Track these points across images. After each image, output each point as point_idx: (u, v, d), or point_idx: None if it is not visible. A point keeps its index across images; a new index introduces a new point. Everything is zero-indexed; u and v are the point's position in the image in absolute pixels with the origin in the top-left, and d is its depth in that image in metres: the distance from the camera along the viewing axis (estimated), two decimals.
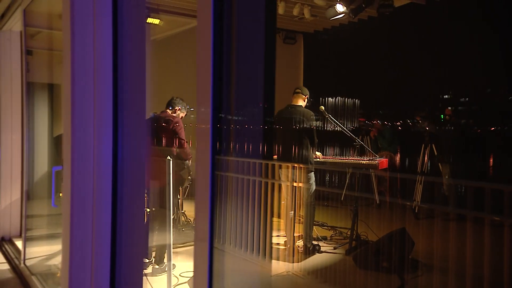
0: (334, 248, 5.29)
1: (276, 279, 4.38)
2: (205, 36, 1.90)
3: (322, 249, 5.12)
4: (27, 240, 5.23)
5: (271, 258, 4.55)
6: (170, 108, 4.51)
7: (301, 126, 4.99)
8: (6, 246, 5.23)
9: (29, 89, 4.29)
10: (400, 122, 9.35)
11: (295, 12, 8.06)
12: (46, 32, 5.79)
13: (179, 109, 4.54)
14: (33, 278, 3.93)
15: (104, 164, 2.87)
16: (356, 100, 10.26)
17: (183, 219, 6.12)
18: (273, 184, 4.79)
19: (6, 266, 4.65)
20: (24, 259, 4.26)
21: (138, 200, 2.97)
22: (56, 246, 4.80)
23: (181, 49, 7.71)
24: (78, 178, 2.82)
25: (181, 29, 7.47)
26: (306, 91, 5.18)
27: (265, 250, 3.83)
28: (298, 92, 5.15)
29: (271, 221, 4.51)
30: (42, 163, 4.79)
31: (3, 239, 5.47)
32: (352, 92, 10.09)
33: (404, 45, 9.09)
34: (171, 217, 3.81)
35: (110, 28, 2.84)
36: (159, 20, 6.13)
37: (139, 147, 3.00)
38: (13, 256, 4.85)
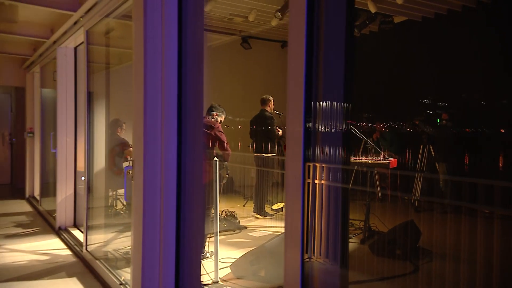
0: (349, 238, 5.37)
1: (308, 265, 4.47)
2: (298, 46, 1.90)
3: None
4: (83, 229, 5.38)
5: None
6: (210, 114, 4.60)
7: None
8: (64, 235, 5.34)
9: (89, 97, 4.39)
10: (400, 125, 9.41)
11: None
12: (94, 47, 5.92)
13: (216, 114, 4.63)
14: (97, 262, 4.03)
15: (170, 164, 2.98)
16: (360, 105, 10.30)
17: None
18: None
19: (68, 252, 4.74)
20: (86, 246, 4.36)
21: (198, 194, 3.08)
22: (110, 235, 4.92)
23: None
24: (149, 175, 2.93)
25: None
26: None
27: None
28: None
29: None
30: (99, 163, 4.90)
31: (59, 228, 5.59)
32: (355, 97, 10.17)
33: (402, 57, 9.18)
34: (217, 210, 3.92)
35: (175, 49, 2.96)
36: None
37: (197, 150, 3.11)
38: (72, 243, 4.96)
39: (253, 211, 6.64)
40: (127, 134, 5.59)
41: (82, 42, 5.29)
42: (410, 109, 9.14)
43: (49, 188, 7.05)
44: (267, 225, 6.12)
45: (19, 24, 4.95)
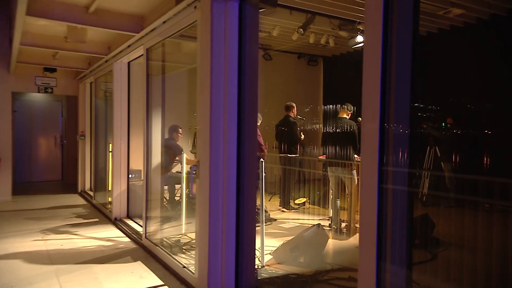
0: None
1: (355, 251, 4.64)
2: (374, 52, 1.91)
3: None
4: (137, 220, 5.59)
5: None
6: None
7: (345, 132, 5.21)
8: (121, 224, 5.55)
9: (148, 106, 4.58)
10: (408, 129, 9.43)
11: (322, 41, 8.28)
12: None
13: None
14: (157, 248, 4.23)
15: (231, 164, 3.16)
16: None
17: None
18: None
19: (127, 239, 4.94)
20: (146, 234, 4.56)
21: (252, 191, 3.26)
22: (163, 225, 5.12)
23: None
24: (213, 175, 3.12)
25: None
26: (351, 108, 5.35)
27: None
28: (344, 108, 5.37)
29: None
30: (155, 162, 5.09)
31: (115, 219, 5.80)
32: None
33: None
34: (263, 204, 4.09)
35: (236, 67, 3.14)
36: None
37: (252, 152, 3.29)
38: (129, 231, 5.17)
39: (279, 205, 6.80)
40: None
41: (136, 58, 5.55)
42: (418, 114, 9.17)
43: (100, 184, 7.29)
44: (293, 217, 6.27)
45: (83, 43, 5.18)
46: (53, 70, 7.59)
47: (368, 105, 1.93)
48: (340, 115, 5.33)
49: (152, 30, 4.24)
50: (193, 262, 3.58)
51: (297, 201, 7.12)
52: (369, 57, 1.94)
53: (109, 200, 6.82)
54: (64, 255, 4.32)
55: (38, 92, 7.93)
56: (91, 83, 8.00)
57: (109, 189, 7.05)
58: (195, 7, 3.30)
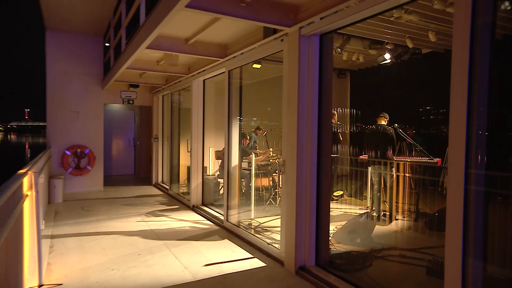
0: (404, 218, 5.66)
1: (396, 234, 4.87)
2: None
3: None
4: (218, 207, 5.94)
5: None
6: None
7: (386, 137, 5.42)
8: (199, 210, 5.94)
9: (229, 116, 4.94)
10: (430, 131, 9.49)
11: (353, 58, 8.48)
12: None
13: None
14: (239, 228, 4.59)
15: (313, 163, 3.47)
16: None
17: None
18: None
19: (209, 222, 5.31)
20: (227, 217, 4.93)
21: (328, 184, 3.56)
22: (240, 210, 5.47)
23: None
24: (299, 167, 3.44)
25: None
26: (387, 116, 5.54)
27: None
28: (381, 116, 5.59)
29: None
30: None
31: (193, 206, 6.21)
32: (387, 111, 10.32)
33: (428, 80, 9.28)
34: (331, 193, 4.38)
35: (317, 87, 3.45)
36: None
37: (328, 149, 3.58)
38: (208, 216, 5.55)
39: None
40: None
41: (211, 77, 5.94)
42: (440, 119, 9.24)
43: (174, 177, 7.75)
44: (335, 207, 6.50)
45: (174, 66, 5.61)
46: (136, 86, 8.15)
47: (455, 113, 2.09)
48: (378, 122, 5.54)
49: (235, 56, 4.62)
50: (269, 240, 3.91)
51: (335, 194, 7.36)
52: (456, 70, 2.09)
53: (182, 191, 7.28)
54: (165, 233, 4.76)
55: (123, 103, 8.51)
56: (162, 95, 8.52)
57: (182, 182, 7.52)
58: (282, 40, 3.65)
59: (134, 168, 10.81)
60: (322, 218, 3.50)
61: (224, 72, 4.96)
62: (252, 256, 3.90)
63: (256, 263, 3.71)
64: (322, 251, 3.51)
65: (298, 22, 3.31)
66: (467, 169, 2.05)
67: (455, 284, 2.09)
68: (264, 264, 3.66)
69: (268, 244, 3.96)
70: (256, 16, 3.19)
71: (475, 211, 2.05)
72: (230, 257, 3.85)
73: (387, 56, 7.88)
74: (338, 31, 3.40)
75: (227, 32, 4.25)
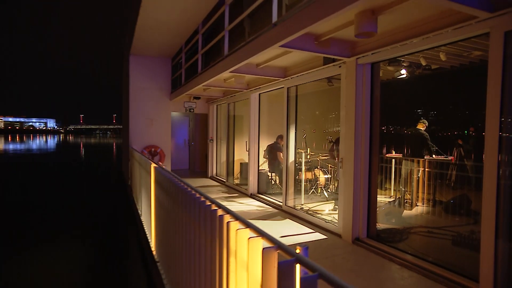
0: (422, 204, 6.01)
1: (420, 217, 5.25)
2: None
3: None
4: (272, 195, 6.41)
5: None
6: None
7: (420, 140, 5.73)
8: (256, 197, 6.45)
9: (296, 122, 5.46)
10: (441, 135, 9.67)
11: None
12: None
13: None
14: (296, 211, 5.10)
15: (365, 160, 3.93)
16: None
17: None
18: None
19: (267, 206, 5.78)
20: (285, 202, 5.44)
21: (375, 174, 4.03)
22: (293, 196, 5.96)
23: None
24: (356, 163, 3.91)
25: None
26: (426, 122, 5.82)
27: None
28: (421, 122, 5.88)
29: None
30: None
31: (251, 194, 6.76)
32: (401, 118, 10.59)
33: (438, 92, 9.51)
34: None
35: (369, 101, 3.93)
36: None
37: (377, 150, 4.05)
38: (266, 201, 6.05)
39: None
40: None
41: (265, 91, 6.47)
42: (448, 123, 9.46)
43: (230, 171, 8.31)
44: None
45: (240, 84, 6.18)
46: (198, 98, 8.81)
47: (491, 119, 2.50)
48: (418, 127, 5.84)
49: (292, 77, 5.15)
50: (323, 221, 4.39)
51: None
52: (492, 81, 2.48)
53: (236, 182, 7.83)
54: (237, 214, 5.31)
55: (185, 111, 9.19)
56: (217, 105, 9.12)
57: (235, 175, 8.07)
58: (340, 66, 4.16)
59: (188, 163, 11.50)
60: (371, 201, 3.98)
61: (282, 87, 5.49)
62: (313, 231, 4.41)
63: (318, 236, 4.22)
64: (371, 226, 3.99)
65: (355, 55, 3.81)
66: (499, 167, 2.48)
67: (489, 252, 2.53)
68: (325, 237, 4.17)
69: (327, 222, 4.46)
70: (325, 50, 3.71)
71: (504, 199, 2.47)
72: (297, 232, 4.37)
73: (403, 71, 8.26)
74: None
75: (289, 58, 4.78)
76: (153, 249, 3.80)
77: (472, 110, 8.63)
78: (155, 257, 3.49)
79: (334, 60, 4.14)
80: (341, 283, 0.79)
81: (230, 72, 5.02)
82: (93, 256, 4.53)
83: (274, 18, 3.38)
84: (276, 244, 1.13)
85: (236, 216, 1.41)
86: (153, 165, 3.79)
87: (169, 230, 2.60)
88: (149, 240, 4.11)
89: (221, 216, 1.45)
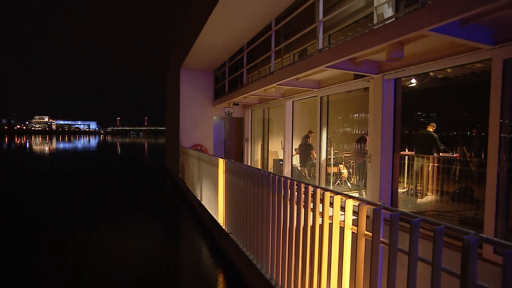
0: (431, 194, 6.36)
1: (431, 204, 5.68)
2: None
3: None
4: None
5: None
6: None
7: (430, 140, 6.12)
8: None
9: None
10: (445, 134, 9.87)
11: None
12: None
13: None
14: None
15: (389, 155, 4.45)
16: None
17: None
18: None
19: None
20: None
21: (397, 166, 4.54)
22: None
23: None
24: (382, 158, 4.44)
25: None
26: (435, 125, 6.16)
27: None
28: (431, 124, 6.24)
29: None
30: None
31: None
32: (411, 123, 10.75)
33: (444, 98, 9.71)
34: None
35: (392, 109, 4.45)
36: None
37: (398, 148, 4.55)
38: None
39: None
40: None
41: (298, 99, 7.04)
42: (453, 125, 9.65)
43: (263, 166, 8.90)
44: None
45: (280, 93, 6.77)
46: (237, 104, 9.49)
47: (493, 123, 2.98)
48: (428, 129, 6.20)
49: (325, 88, 5.70)
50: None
51: None
52: (494, 92, 3.04)
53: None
54: None
55: (225, 116, 9.90)
56: (251, 110, 9.76)
57: (269, 169, 8.67)
58: (368, 81, 4.69)
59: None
60: (393, 189, 4.49)
61: (315, 96, 6.06)
62: (343, 213, 4.95)
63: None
64: (393, 200, 4.50)
65: (382, 72, 4.34)
66: (499, 162, 2.97)
67: (491, 223, 3.03)
68: (355, 217, 4.70)
69: (355, 206, 5.00)
70: (358, 69, 4.26)
71: (502, 187, 2.92)
72: (330, 215, 4.93)
73: (414, 81, 8.60)
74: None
75: (324, 74, 5.34)
76: (221, 224, 4.49)
77: (473, 113, 8.86)
78: (226, 230, 4.16)
79: (363, 76, 4.68)
80: (415, 215, 1.39)
81: (276, 85, 5.64)
82: (164, 230, 5.32)
83: (320, 45, 3.97)
84: (365, 201, 1.76)
85: (323, 188, 2.04)
86: (221, 159, 4.45)
87: (246, 207, 3.24)
88: (215, 218, 4.80)
89: (315, 189, 2.09)
